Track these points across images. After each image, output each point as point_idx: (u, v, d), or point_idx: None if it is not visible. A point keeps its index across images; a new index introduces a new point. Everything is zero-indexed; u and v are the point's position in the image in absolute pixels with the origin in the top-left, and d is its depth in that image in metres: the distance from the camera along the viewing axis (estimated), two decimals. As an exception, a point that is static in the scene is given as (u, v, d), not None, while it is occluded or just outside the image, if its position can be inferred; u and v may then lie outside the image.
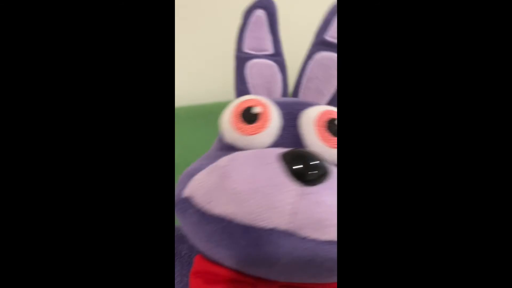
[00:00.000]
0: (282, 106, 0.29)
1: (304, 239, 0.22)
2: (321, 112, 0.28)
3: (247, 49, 0.37)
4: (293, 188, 0.22)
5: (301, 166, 0.22)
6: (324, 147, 0.27)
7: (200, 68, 0.64)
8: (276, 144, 0.27)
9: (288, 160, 0.23)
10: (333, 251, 0.22)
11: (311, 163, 0.23)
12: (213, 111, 0.47)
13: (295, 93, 0.35)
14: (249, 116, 0.27)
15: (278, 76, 0.36)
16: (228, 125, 0.28)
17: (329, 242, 0.22)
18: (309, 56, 0.36)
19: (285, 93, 0.36)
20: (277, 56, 0.37)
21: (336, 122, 0.27)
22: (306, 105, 0.30)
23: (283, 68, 0.37)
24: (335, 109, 0.29)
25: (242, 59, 0.37)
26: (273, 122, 0.27)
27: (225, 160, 0.24)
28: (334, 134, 0.27)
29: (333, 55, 0.35)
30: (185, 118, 0.56)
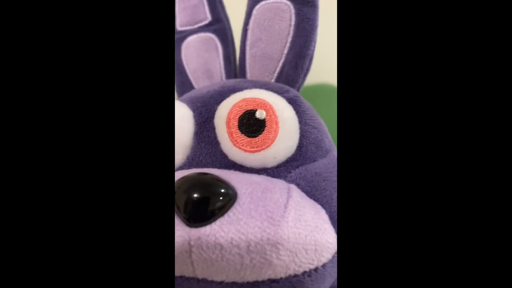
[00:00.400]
0: (197, 103, 0.23)
1: (221, 283, 0.18)
2: (234, 106, 0.21)
3: (180, 26, 0.31)
4: (182, 233, 0.17)
5: (190, 203, 0.17)
6: (242, 154, 0.20)
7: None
8: (189, 160, 0.22)
9: (175, 195, 0.18)
10: None
11: (199, 198, 0.17)
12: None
13: (241, 67, 0.28)
14: None
15: (219, 50, 0.29)
16: None
17: (251, 284, 0.17)
18: (248, 14, 0.28)
19: (228, 71, 0.29)
20: (216, 24, 0.30)
21: (256, 113, 0.20)
22: (228, 93, 0.23)
23: (225, 37, 0.29)
24: (258, 92, 0.22)
25: (176, 41, 0.31)
26: (176, 135, 0.22)
27: None
28: (251, 132, 0.20)
29: (274, 3, 0.26)
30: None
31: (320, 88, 0.58)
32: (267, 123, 0.20)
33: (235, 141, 0.20)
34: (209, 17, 0.30)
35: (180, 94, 0.30)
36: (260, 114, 0.20)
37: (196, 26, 0.30)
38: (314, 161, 0.22)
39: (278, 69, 0.26)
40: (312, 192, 0.20)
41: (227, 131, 0.21)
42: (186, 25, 0.30)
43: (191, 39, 0.30)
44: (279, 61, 0.26)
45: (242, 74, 0.28)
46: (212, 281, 0.18)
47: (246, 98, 0.21)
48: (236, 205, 0.17)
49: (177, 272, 0.18)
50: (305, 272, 0.17)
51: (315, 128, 0.23)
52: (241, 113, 0.21)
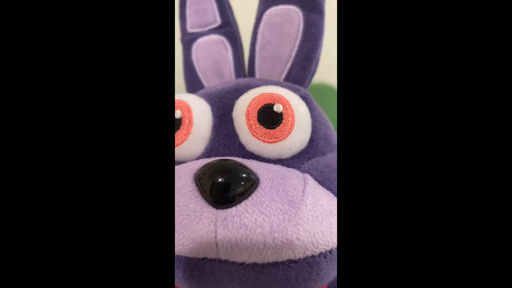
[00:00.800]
0: (214, 98, 0.25)
1: (242, 264, 0.19)
2: (253, 100, 0.22)
3: (191, 28, 0.32)
4: (208, 215, 0.18)
5: (215, 187, 0.18)
6: (260, 144, 0.22)
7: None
8: (208, 151, 0.23)
9: (201, 180, 0.19)
10: (278, 273, 0.18)
11: (225, 182, 0.18)
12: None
13: (250, 67, 0.29)
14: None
15: (228, 52, 0.30)
16: None
17: (271, 265, 0.18)
18: (258, 18, 0.29)
19: (238, 71, 0.30)
20: (225, 27, 0.31)
21: (274, 106, 0.22)
22: (243, 90, 0.24)
23: (234, 40, 0.31)
24: (275, 88, 0.23)
25: (186, 42, 0.32)
26: (197, 126, 0.23)
27: None
28: (269, 124, 0.22)
29: (283, 9, 0.28)
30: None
31: (317, 88, 0.58)
32: (284, 116, 0.22)
33: (254, 132, 0.22)
34: (219, 21, 0.31)
35: (190, 92, 0.31)
36: (277, 107, 0.22)
37: (206, 28, 0.31)
38: (323, 154, 0.23)
39: (286, 71, 0.28)
40: (324, 181, 0.21)
41: (247, 123, 0.22)
42: (196, 28, 0.32)
43: (201, 40, 0.31)
44: (287, 63, 0.28)
45: (251, 74, 0.29)
46: (234, 262, 0.19)
47: (264, 93, 0.23)
48: (258, 189, 0.19)
49: (200, 254, 0.19)
50: (321, 253, 0.19)
51: (324, 124, 0.25)
52: (260, 107, 0.22)
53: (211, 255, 0.19)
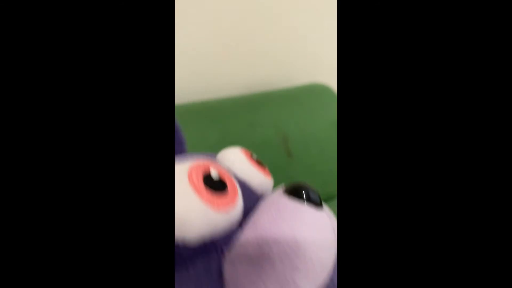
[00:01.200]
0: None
1: None
2: (240, 153, 0.27)
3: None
4: (322, 214, 0.22)
5: (313, 195, 0.22)
6: (269, 182, 0.27)
7: (200, 64, 0.62)
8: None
9: (302, 194, 0.22)
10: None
11: (316, 193, 0.23)
12: (214, 107, 0.54)
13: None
14: (213, 184, 0.20)
15: None
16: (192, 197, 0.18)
17: None
18: None
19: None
20: None
21: (252, 155, 0.28)
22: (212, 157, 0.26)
23: None
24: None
25: None
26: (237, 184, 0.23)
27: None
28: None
29: None
30: (184, 114, 0.54)
31: (314, 88, 0.60)
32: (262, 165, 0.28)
33: (264, 172, 0.26)
34: None
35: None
36: (254, 156, 0.27)
37: None
38: None
39: None
40: None
41: (256, 169, 0.26)
42: None
43: None
44: None
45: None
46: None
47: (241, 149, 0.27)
48: None
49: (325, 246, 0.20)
50: None
51: None
52: (249, 157, 0.26)
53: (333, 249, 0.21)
